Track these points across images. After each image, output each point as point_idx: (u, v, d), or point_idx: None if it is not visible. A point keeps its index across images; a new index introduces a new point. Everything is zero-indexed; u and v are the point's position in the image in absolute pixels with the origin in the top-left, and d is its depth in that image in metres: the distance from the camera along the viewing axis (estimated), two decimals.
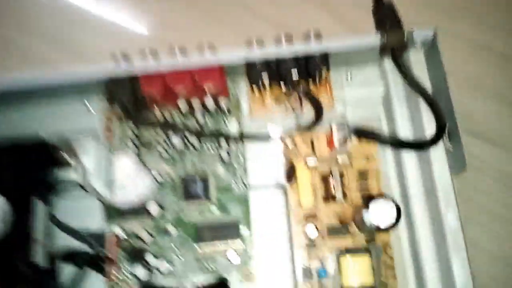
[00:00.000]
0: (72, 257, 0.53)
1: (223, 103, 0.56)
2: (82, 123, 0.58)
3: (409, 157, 0.56)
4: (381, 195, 0.47)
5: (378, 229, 0.46)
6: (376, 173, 0.55)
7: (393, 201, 0.47)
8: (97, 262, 0.52)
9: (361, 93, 0.59)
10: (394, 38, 0.53)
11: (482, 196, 0.61)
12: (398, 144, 0.51)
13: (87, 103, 0.60)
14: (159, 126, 0.56)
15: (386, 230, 0.46)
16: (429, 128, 0.55)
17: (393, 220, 0.46)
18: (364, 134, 0.51)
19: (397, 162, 0.56)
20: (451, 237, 0.51)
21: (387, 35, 0.53)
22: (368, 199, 0.52)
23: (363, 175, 0.54)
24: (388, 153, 0.57)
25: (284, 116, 0.58)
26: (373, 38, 0.54)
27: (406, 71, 0.53)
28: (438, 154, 0.55)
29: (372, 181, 0.54)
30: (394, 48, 0.53)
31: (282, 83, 0.57)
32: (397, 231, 0.53)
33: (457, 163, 0.53)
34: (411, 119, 0.57)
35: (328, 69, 0.56)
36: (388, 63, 0.59)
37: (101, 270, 0.52)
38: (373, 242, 0.52)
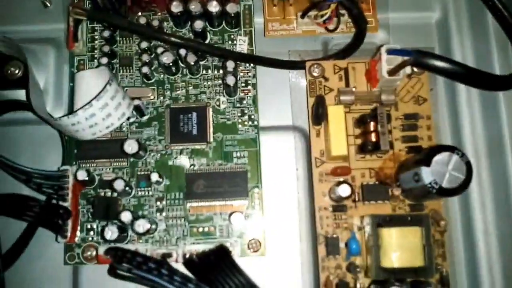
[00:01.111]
0: (16, 207, 0.40)
1: (231, 10, 0.44)
2: (37, 26, 0.48)
3: (470, 102, 0.46)
4: (447, 147, 0.36)
5: (440, 191, 0.35)
6: (428, 119, 0.44)
7: (464, 155, 0.36)
8: (50, 215, 0.40)
9: (410, 16, 0.49)
10: None
11: None
12: (475, 77, 0.40)
13: None
14: (143, 34, 0.44)
15: (451, 193, 0.36)
16: (500, 66, 0.45)
17: (463, 180, 0.36)
18: (428, 62, 0.38)
19: (452, 107, 0.47)
20: None
21: None
22: (416, 152, 0.42)
23: (410, 122, 0.44)
24: (441, 95, 0.47)
25: (310, 36, 0.47)
26: None
27: None
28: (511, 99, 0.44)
29: (422, 130, 0.43)
30: None
31: None
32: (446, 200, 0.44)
33: None
34: (475, 53, 0.47)
35: None
36: None
37: (54, 227, 0.41)
38: (420, 210, 0.42)
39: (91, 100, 0.38)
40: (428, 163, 0.36)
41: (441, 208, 0.42)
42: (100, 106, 0.39)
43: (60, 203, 0.41)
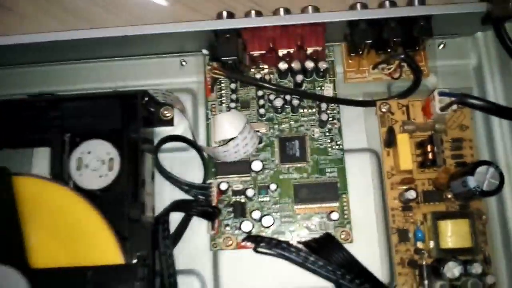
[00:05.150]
0: (184, 205, 0.52)
1: (321, 66, 0.54)
2: (176, 79, 0.59)
3: (502, 129, 0.55)
4: (486, 162, 0.46)
5: (482, 194, 0.45)
6: (470, 142, 0.53)
7: (497, 167, 0.45)
8: (208, 212, 0.52)
9: (453, 63, 0.59)
10: (501, 8, 0.52)
11: None
12: (505, 112, 0.49)
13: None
14: (261, 85, 0.55)
15: (489, 194, 0.45)
16: None
17: (497, 185, 0.45)
18: (469, 101, 0.48)
19: (488, 132, 0.56)
20: None
21: (494, 4, 0.52)
22: (462, 166, 0.51)
23: (457, 144, 0.53)
24: (479, 124, 0.57)
25: (379, 82, 0.57)
26: (478, 6, 0.52)
27: (510, 42, 0.52)
28: None
29: (466, 149, 0.53)
30: (498, 18, 0.51)
31: (380, 48, 0.55)
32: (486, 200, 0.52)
33: None
34: (504, 92, 0.56)
35: (431, 35, 0.53)
36: (481, 35, 0.59)
37: (211, 219, 0.52)
38: (467, 208, 0.51)
39: (236, 136, 0.52)
40: (472, 173, 0.44)
41: (482, 206, 0.50)
42: (242, 139, 0.51)
43: None
